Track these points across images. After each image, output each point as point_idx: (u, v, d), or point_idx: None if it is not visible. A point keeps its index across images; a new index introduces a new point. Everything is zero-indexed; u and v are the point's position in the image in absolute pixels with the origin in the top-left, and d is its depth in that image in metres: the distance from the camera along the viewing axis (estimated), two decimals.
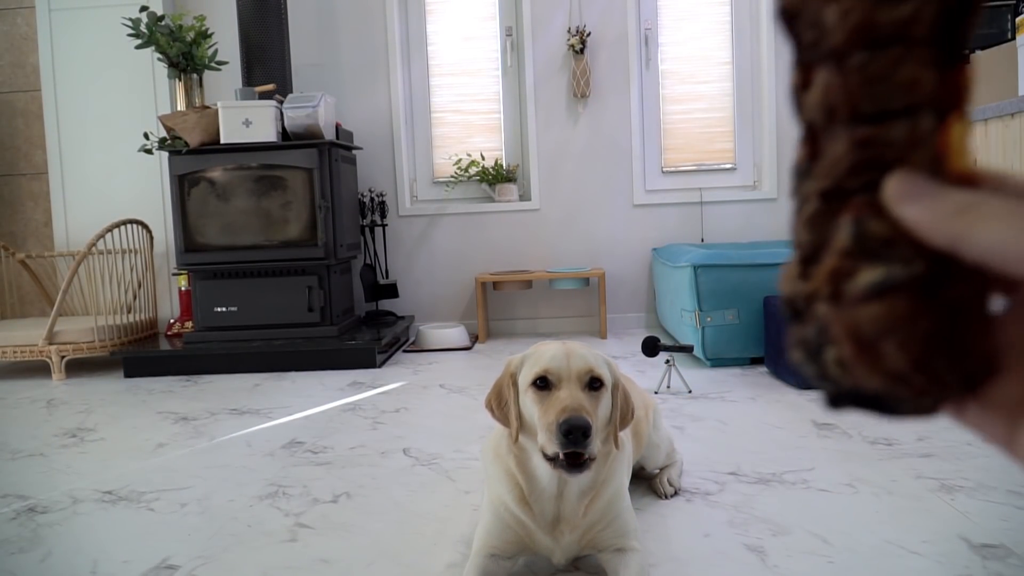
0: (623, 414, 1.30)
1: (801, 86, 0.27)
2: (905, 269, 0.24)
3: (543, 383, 1.22)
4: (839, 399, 0.26)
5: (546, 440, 1.18)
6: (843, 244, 0.25)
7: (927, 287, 0.24)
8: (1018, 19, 2.69)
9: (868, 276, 0.24)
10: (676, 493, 1.70)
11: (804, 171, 0.27)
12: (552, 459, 1.18)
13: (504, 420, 1.30)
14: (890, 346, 0.24)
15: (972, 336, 0.24)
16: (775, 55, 3.86)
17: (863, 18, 0.25)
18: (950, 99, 0.25)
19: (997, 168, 0.23)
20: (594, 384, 1.22)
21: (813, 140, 0.27)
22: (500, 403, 1.30)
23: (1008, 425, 0.25)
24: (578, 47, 3.86)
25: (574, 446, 1.14)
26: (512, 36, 4.06)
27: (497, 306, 4.08)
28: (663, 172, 4.06)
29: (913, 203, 0.24)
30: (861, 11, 0.25)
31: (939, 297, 0.24)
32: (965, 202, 0.23)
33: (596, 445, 1.18)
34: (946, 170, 0.25)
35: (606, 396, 1.25)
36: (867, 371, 0.24)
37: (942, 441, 1.98)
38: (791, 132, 3.88)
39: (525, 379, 1.25)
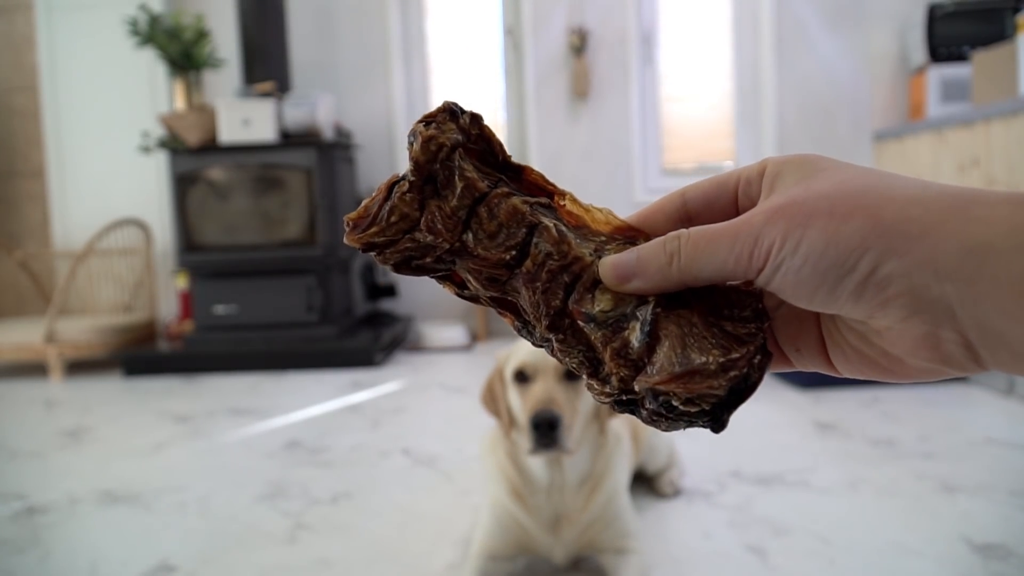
0: None
1: (461, 289, 0.32)
2: (647, 306, 0.28)
3: (522, 377, 1.24)
4: (718, 418, 0.28)
5: (525, 437, 1.21)
6: (597, 336, 0.28)
7: (671, 302, 0.28)
8: (1018, 19, 2.69)
9: (634, 335, 0.28)
10: (677, 494, 1.69)
11: (524, 328, 0.31)
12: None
13: (497, 415, 1.32)
14: (698, 357, 0.27)
15: (732, 299, 0.28)
16: (776, 54, 3.85)
17: (443, 214, 0.30)
18: (540, 192, 0.31)
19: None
20: (573, 375, 1.22)
21: (507, 307, 0.31)
22: (492, 399, 1.33)
23: (818, 349, 0.31)
24: (578, 47, 3.85)
25: (545, 439, 1.17)
26: (512, 36, 4.05)
27: None
28: (663, 171, 4.05)
29: (632, 279, 0.29)
30: (436, 214, 0.30)
31: (684, 299, 0.28)
32: (666, 252, 0.28)
33: (571, 439, 1.19)
34: (590, 228, 0.30)
35: None
36: (708, 387, 0.27)
37: (943, 441, 1.98)
38: (792, 131, 3.88)
39: (508, 374, 1.27)
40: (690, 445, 1.98)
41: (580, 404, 1.24)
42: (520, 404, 1.24)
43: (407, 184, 0.30)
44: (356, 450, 2.13)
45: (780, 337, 0.33)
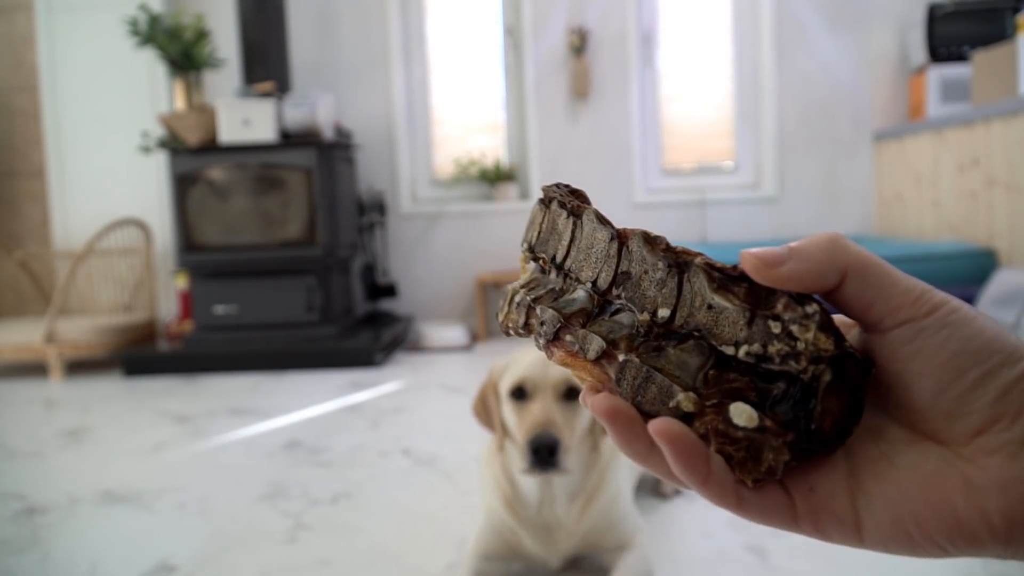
0: None
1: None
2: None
3: (520, 393, 1.22)
4: (841, 368, 0.27)
5: (519, 457, 1.19)
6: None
7: None
8: (1018, 19, 2.69)
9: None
10: (677, 493, 1.69)
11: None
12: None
13: (490, 427, 1.30)
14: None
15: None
16: (776, 54, 3.85)
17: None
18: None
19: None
20: (572, 394, 1.20)
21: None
22: (485, 411, 1.30)
23: (841, 491, 0.27)
24: (578, 47, 3.85)
25: (542, 463, 1.14)
26: (512, 36, 4.05)
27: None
28: (663, 171, 4.05)
29: (786, 263, 0.27)
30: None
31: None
32: (835, 239, 0.27)
33: (569, 460, 1.17)
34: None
35: None
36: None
37: None
38: (792, 131, 3.88)
39: (504, 388, 1.25)
40: None
41: (578, 422, 1.22)
42: (516, 422, 1.22)
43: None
44: (356, 450, 2.13)
45: (787, 474, 0.27)
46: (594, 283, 0.32)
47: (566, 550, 1.27)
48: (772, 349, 0.27)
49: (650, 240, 0.30)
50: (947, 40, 3.40)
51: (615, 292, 0.31)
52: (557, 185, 0.35)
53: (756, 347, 0.27)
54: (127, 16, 3.51)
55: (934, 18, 3.40)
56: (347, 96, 4.02)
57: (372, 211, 3.95)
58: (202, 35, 3.49)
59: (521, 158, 4.10)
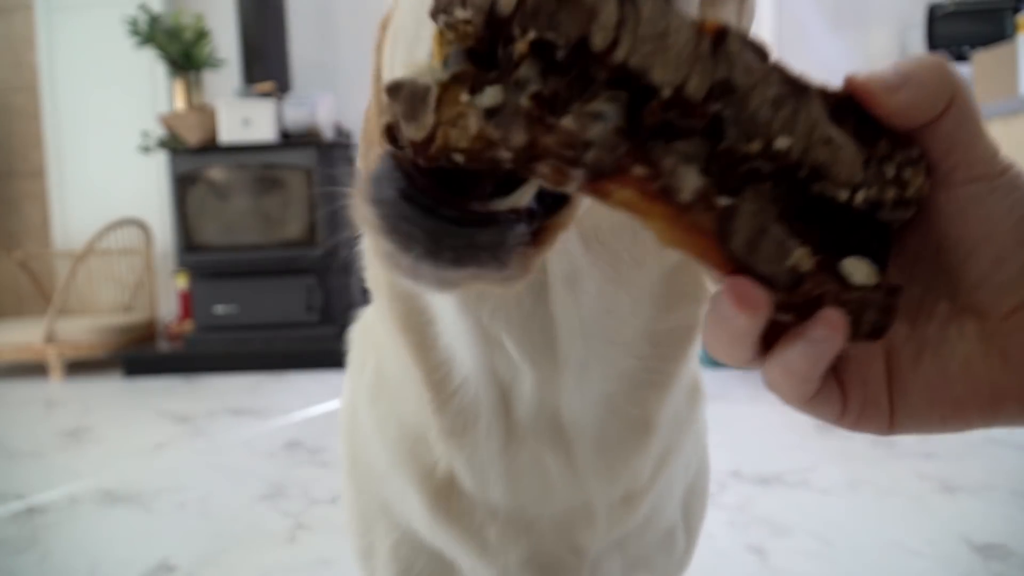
0: None
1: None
2: None
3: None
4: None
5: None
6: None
7: None
8: (1018, 19, 2.69)
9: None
10: None
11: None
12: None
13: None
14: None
15: None
16: (775, 54, 3.85)
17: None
18: None
19: None
20: None
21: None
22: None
23: (882, 380, 0.26)
24: None
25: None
26: None
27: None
28: None
29: (901, 90, 0.23)
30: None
31: None
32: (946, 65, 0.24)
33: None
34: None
35: None
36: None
37: (943, 441, 1.98)
38: None
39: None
40: None
41: None
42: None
43: None
44: None
45: (844, 364, 0.26)
46: (679, 89, 0.21)
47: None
48: (888, 195, 0.23)
49: (752, 45, 0.22)
50: (947, 40, 3.40)
51: (711, 108, 0.22)
52: None
53: (874, 192, 0.22)
54: (127, 16, 3.51)
55: (934, 18, 3.40)
56: (347, 96, 4.01)
57: None
58: (202, 35, 3.49)
59: None
